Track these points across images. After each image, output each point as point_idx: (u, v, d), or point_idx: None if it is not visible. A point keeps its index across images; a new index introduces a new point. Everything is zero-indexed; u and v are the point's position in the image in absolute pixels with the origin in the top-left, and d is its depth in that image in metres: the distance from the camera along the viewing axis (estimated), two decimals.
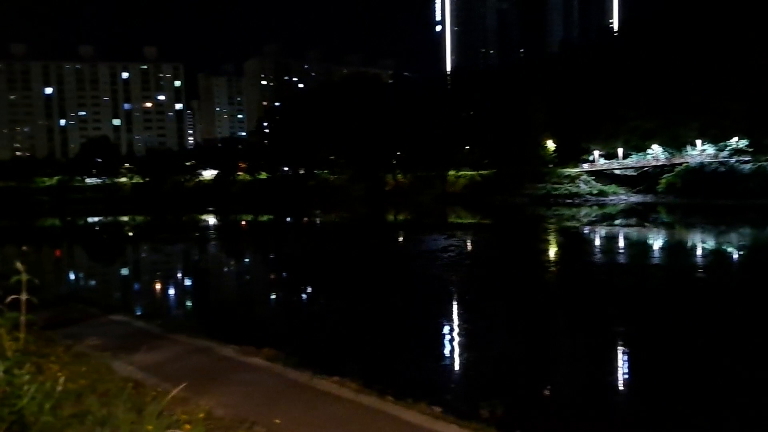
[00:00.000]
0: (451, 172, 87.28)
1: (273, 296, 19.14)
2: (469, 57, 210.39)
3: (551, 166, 79.54)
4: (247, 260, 29.33)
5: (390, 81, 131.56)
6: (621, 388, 9.15)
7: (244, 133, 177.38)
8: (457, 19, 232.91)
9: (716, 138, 66.07)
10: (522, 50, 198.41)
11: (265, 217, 61.36)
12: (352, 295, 17.46)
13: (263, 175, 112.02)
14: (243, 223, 55.97)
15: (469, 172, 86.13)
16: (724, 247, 28.48)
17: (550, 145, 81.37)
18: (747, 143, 63.36)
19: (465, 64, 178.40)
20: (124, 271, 26.55)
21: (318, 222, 55.83)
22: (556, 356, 11.10)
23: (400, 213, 61.86)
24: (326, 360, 9.57)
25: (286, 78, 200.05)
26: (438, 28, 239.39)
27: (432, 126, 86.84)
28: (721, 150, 65.54)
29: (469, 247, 31.48)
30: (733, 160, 63.80)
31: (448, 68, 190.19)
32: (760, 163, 61.57)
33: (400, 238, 38.58)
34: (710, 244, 29.99)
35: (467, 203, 72.97)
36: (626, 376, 9.63)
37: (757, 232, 34.69)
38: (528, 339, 12.06)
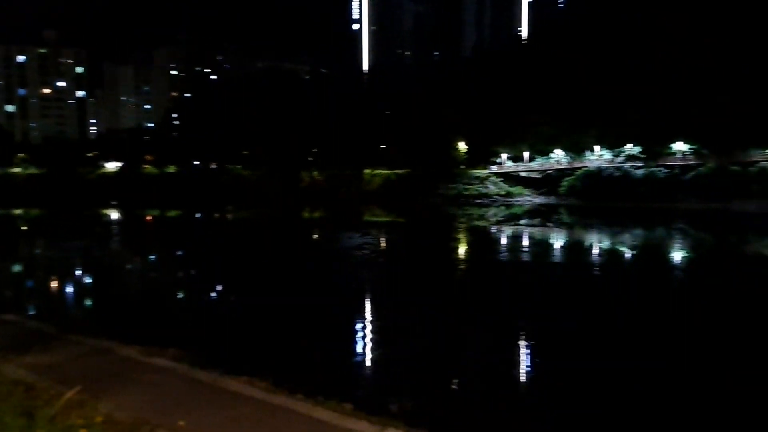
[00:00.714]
0: (367, 171, 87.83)
1: (180, 295, 18.48)
2: (386, 57, 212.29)
3: (463, 167, 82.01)
4: (153, 258, 28.11)
5: (307, 77, 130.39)
6: (523, 381, 9.57)
7: (151, 125, 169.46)
8: (374, 19, 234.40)
9: (613, 144, 70.75)
10: (436, 53, 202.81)
11: (173, 213, 59.01)
12: (264, 294, 17.20)
13: (172, 169, 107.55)
14: (149, 218, 53.55)
15: (384, 171, 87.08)
16: (617, 247, 30.54)
17: (462, 146, 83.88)
18: (640, 150, 68.26)
19: (381, 63, 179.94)
20: (16, 269, 24.67)
21: (230, 219, 54.41)
22: (464, 351, 11.48)
23: (315, 210, 61.52)
24: (235, 360, 9.40)
25: (198, 69, 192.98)
26: (355, 26, 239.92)
27: (348, 124, 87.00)
28: (617, 155, 70.27)
29: (383, 245, 31.85)
30: (627, 165, 68.55)
31: (365, 67, 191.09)
32: (650, 169, 66.53)
33: (315, 236, 38.39)
34: (605, 243, 32.05)
35: (382, 202, 73.75)
36: (528, 370, 10.11)
37: (646, 234, 37.43)
38: (438, 335, 12.37)
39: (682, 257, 26.76)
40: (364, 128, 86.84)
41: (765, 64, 55.86)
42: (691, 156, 64.93)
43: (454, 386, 9.23)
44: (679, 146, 65.60)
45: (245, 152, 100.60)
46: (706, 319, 13.82)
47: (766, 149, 59.17)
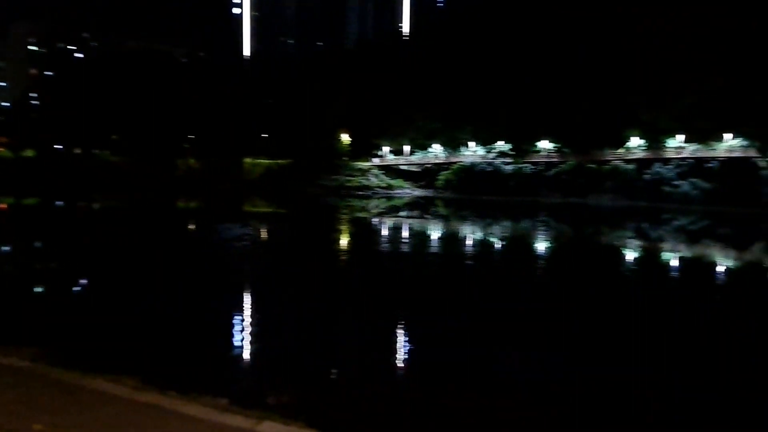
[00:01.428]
0: (248, 160, 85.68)
1: (39, 290, 17.01)
2: (268, 44, 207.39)
3: (345, 159, 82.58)
4: (6, 249, 25.54)
5: (184, 60, 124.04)
6: (400, 370, 9.91)
7: (7, 104, 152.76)
8: (255, 4, 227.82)
9: (486, 141, 74.78)
10: (320, 44, 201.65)
11: (30, 201, 53.86)
12: (133, 287, 16.31)
13: (30, 153, 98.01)
14: (2, 206, 48.50)
15: (265, 161, 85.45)
16: (488, 237, 32.48)
17: (346, 138, 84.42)
18: (510, 147, 72.73)
19: (263, 50, 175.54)
20: None
21: (96, 207, 50.69)
22: (342, 343, 11.66)
23: (192, 200, 59.01)
24: (100, 358, 8.87)
25: (62, 46, 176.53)
26: (236, 10, 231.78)
27: (228, 111, 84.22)
28: (489, 152, 74.36)
29: (264, 236, 31.36)
30: (498, 161, 72.77)
31: (247, 53, 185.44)
32: (519, 165, 71.16)
33: (191, 227, 36.90)
34: (478, 234, 33.94)
35: (263, 192, 72.35)
36: (406, 359, 10.50)
37: (514, 225, 40.16)
38: (317, 327, 12.43)
39: (545, 246, 29.03)
40: (244, 116, 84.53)
41: (615, 74, 61.69)
42: (555, 154, 70.26)
43: (332, 378, 9.35)
44: (545, 145, 70.70)
45: (114, 137, 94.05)
46: (566, 301, 15.15)
47: (617, 149, 65.42)
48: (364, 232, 35.09)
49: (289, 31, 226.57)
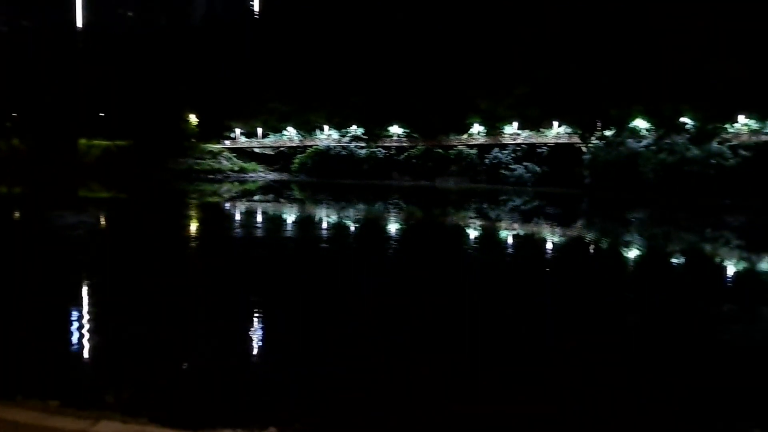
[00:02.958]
0: (83, 141, 78.39)
1: None
2: (105, 16, 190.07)
3: (193, 141, 78.91)
4: None
5: (3, 29, 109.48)
6: (248, 359, 9.92)
7: None
8: None
9: (340, 125, 75.61)
10: (164, 18, 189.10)
11: None
12: None
13: None
14: None
15: (103, 142, 78.72)
16: (344, 220, 33.14)
17: (193, 119, 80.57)
18: (363, 131, 74.26)
19: (99, 22, 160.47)
20: None
21: None
22: (186, 334, 11.25)
23: (16, 185, 52.88)
24: None
25: None
26: None
27: (59, 87, 76.27)
28: (344, 136, 75.33)
29: (103, 224, 29.16)
30: (352, 145, 74.01)
31: (79, 24, 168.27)
32: (372, 149, 73.00)
33: (16, 214, 33.20)
34: (333, 217, 34.47)
35: (102, 176, 66.74)
36: (252, 347, 10.53)
37: (369, 207, 41.37)
38: (158, 318, 11.94)
39: (397, 227, 30.32)
40: (78, 93, 77.08)
41: (457, 64, 65.48)
42: (405, 139, 73.02)
43: (174, 371, 9.07)
44: (396, 130, 73.15)
45: None
46: (413, 279, 16.07)
47: (461, 135, 69.60)
48: (214, 218, 34.03)
49: (129, 4, 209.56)
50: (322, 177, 69.61)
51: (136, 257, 19.08)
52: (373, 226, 31.80)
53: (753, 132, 52.56)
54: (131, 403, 7.41)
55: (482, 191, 57.93)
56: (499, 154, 65.26)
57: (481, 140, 68.32)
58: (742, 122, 53.12)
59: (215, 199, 46.38)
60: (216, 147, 78.76)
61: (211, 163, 75.30)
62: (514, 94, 64.00)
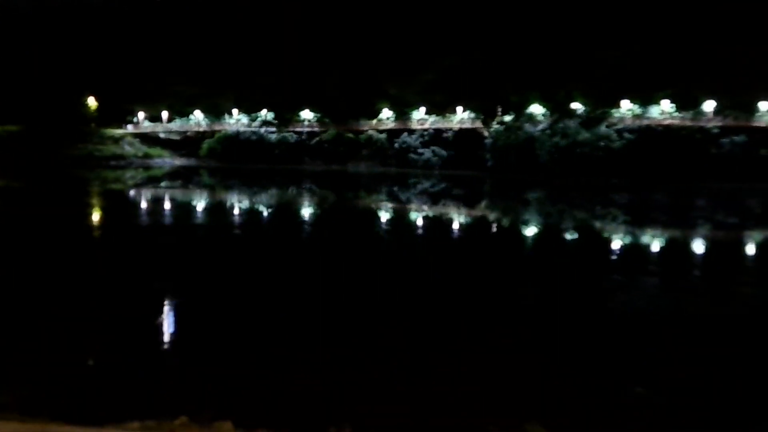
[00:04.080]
0: None
1: None
2: None
3: (93, 125, 74.84)
4: None
5: None
6: (158, 351, 10.20)
7: None
8: None
9: (249, 109, 74.37)
10: None
11: None
12: None
13: None
14: None
15: None
16: (257, 206, 33.24)
17: (93, 103, 76.36)
18: (273, 116, 73.51)
19: None
20: None
21: None
22: (87, 326, 10.68)
23: None
24: None
25: None
26: None
27: None
28: (254, 120, 74.22)
29: None
30: (263, 129, 73.11)
31: None
32: (283, 134, 72.51)
33: None
34: (245, 203, 34.45)
35: None
36: (159, 340, 10.88)
37: (282, 192, 41.50)
38: (51, 310, 11.55)
39: (310, 211, 30.88)
40: None
41: (366, 49, 66.31)
42: (317, 123, 73.05)
43: (80, 368, 8.65)
44: (307, 114, 73.01)
45: None
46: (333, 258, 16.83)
47: (372, 120, 70.64)
48: (118, 205, 33.02)
49: None
50: (231, 162, 68.43)
51: (29, 249, 18.46)
52: (286, 210, 32.18)
53: (636, 116, 57.34)
54: (29, 401, 7.10)
55: (392, 175, 59.37)
56: (407, 139, 66.91)
57: (391, 125, 69.70)
58: (626, 107, 57.81)
59: (118, 186, 44.73)
60: (118, 132, 75.09)
61: (113, 149, 71.82)
62: (421, 80, 65.80)
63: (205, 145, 73.59)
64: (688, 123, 55.86)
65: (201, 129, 75.98)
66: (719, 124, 55.20)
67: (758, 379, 8.53)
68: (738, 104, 55.30)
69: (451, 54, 63.59)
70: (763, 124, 55.05)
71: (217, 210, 30.98)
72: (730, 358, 9.33)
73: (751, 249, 22.01)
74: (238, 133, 73.01)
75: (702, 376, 8.57)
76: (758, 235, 25.67)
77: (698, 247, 22.23)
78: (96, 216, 28.00)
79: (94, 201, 34.75)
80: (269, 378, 8.15)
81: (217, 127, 75.10)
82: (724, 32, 54.52)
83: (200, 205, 33.32)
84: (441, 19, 64.05)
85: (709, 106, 56.04)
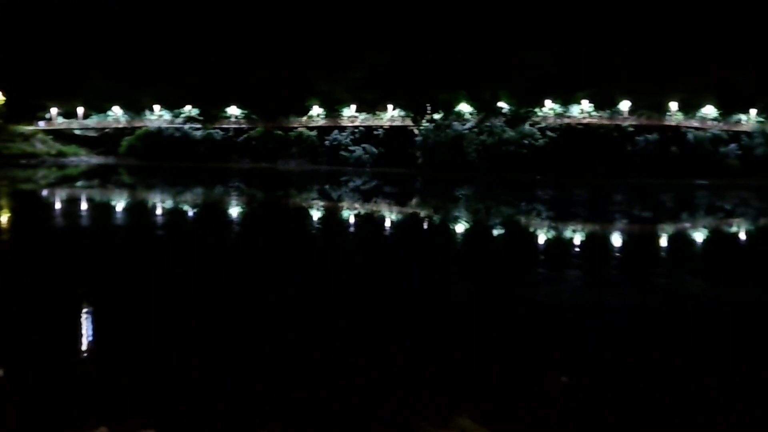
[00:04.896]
0: None
1: None
2: None
3: (1, 122, 69.95)
4: None
5: None
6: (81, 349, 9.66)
7: None
8: None
9: (172, 105, 71.68)
10: None
11: None
12: None
13: None
14: None
15: None
16: (180, 206, 31.96)
17: (0, 98, 71.42)
18: (198, 112, 71.22)
19: None
20: None
21: None
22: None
23: None
24: None
25: None
26: None
27: None
28: (177, 116, 71.64)
29: None
30: (187, 126, 70.72)
31: None
32: (209, 131, 70.42)
33: None
34: (168, 203, 33.07)
35: None
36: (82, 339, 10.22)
37: (207, 192, 40.15)
38: None
39: (237, 211, 30.04)
40: None
41: (295, 45, 65.50)
42: (244, 120, 71.40)
43: None
44: (233, 111, 71.21)
45: None
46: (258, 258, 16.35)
47: (302, 117, 69.81)
48: (31, 207, 30.94)
49: None
50: (153, 160, 65.71)
51: None
52: (211, 210, 31.15)
53: (558, 115, 59.63)
54: None
55: (323, 173, 58.93)
56: (338, 136, 66.59)
57: (321, 122, 69.12)
58: (549, 106, 59.98)
59: (29, 186, 41.96)
60: (28, 129, 70.53)
61: (23, 147, 67.31)
62: (351, 77, 65.60)
63: (125, 142, 70.42)
64: (606, 122, 58.65)
65: (120, 125, 72.62)
66: (634, 122, 58.28)
67: (674, 366, 8.89)
68: (650, 104, 58.57)
69: (380, 52, 63.75)
70: (673, 123, 58.59)
71: (137, 211, 29.57)
72: (649, 346, 9.71)
73: (664, 241, 23.24)
74: (160, 130, 70.26)
75: (625, 363, 8.85)
76: (670, 228, 27.16)
77: (616, 240, 23.25)
78: (3, 218, 26.07)
79: (1, 202, 32.37)
80: (193, 385, 7.76)
81: (137, 124, 71.99)
82: (637, 35, 57.52)
83: (119, 205, 31.70)
84: (371, 17, 64.07)
85: (624, 105, 59.02)
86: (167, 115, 71.92)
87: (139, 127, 71.22)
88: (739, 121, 59.33)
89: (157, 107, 72.13)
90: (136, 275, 14.32)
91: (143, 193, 39.85)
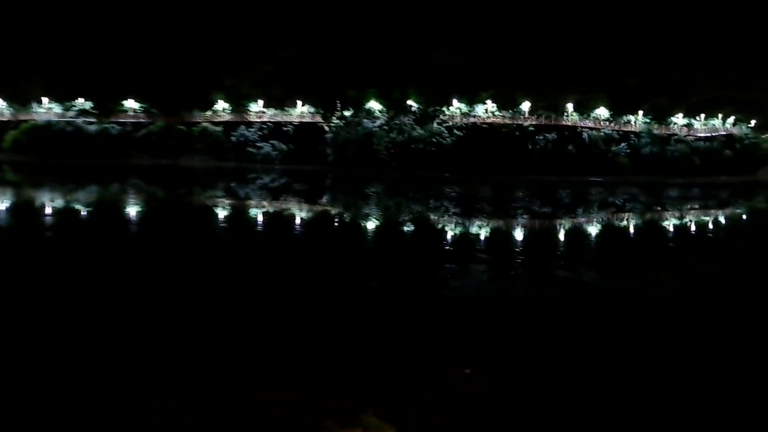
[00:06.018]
0: None
1: None
2: None
3: None
4: None
5: None
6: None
7: None
8: None
9: (63, 97, 66.83)
10: None
11: None
12: None
13: None
14: None
15: None
16: (70, 205, 29.67)
17: None
18: (92, 105, 66.83)
19: None
20: None
21: None
22: None
23: None
24: None
25: None
26: None
27: None
28: (68, 109, 66.88)
29: None
30: (80, 120, 66.20)
31: None
32: (104, 125, 66.29)
33: None
34: (56, 203, 30.62)
35: None
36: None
37: (101, 190, 37.60)
38: None
39: (134, 211, 28.30)
40: None
41: (198, 38, 63.07)
42: (143, 114, 67.83)
43: None
44: (131, 104, 67.46)
45: None
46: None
47: (206, 111, 67.33)
48: None
49: None
50: (42, 156, 61.02)
51: None
52: (105, 210, 29.16)
53: (464, 115, 61.26)
54: None
55: (229, 170, 57.13)
56: (245, 132, 64.86)
57: (227, 117, 67.03)
58: (456, 106, 61.48)
59: None
60: None
61: None
62: (259, 72, 64.02)
63: (9, 136, 64.94)
64: (509, 121, 60.98)
65: (4, 119, 66.79)
66: (535, 122, 60.99)
67: (582, 356, 9.17)
68: (549, 105, 61.53)
69: (288, 47, 62.65)
70: (570, 123, 61.88)
71: (21, 211, 27.16)
72: (552, 336, 9.98)
73: (562, 235, 24.35)
74: (49, 124, 65.35)
75: (527, 353, 9.02)
76: (568, 222, 28.53)
77: (518, 234, 24.06)
78: None
79: None
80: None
81: (23, 117, 66.54)
82: (537, 38, 60.19)
83: None
84: (279, 11, 62.84)
85: (525, 106, 61.60)
86: (57, 108, 66.97)
87: (26, 121, 65.87)
88: (628, 122, 63.69)
89: (45, 99, 66.95)
90: (14, 279, 13.03)
91: (28, 191, 36.70)
